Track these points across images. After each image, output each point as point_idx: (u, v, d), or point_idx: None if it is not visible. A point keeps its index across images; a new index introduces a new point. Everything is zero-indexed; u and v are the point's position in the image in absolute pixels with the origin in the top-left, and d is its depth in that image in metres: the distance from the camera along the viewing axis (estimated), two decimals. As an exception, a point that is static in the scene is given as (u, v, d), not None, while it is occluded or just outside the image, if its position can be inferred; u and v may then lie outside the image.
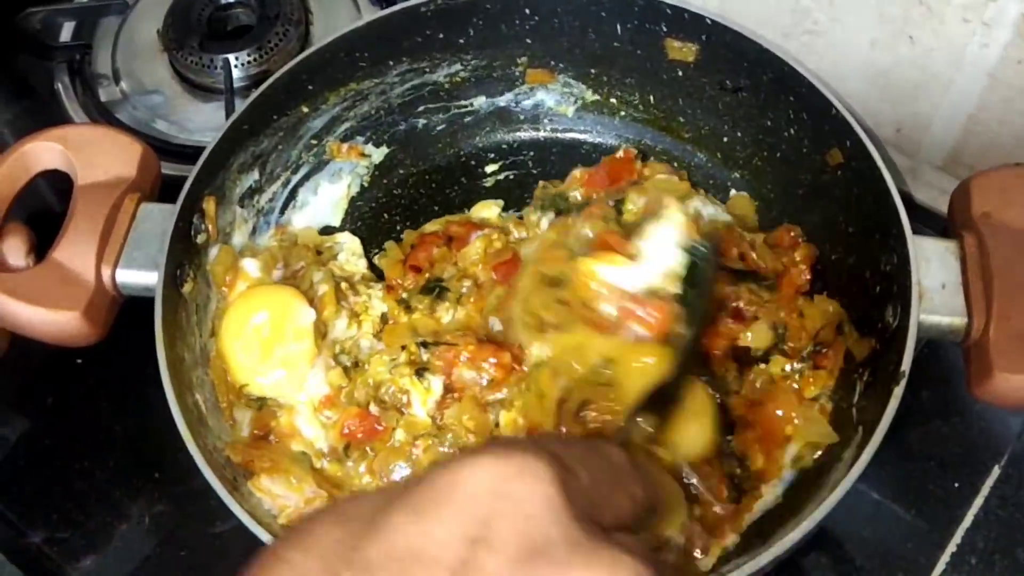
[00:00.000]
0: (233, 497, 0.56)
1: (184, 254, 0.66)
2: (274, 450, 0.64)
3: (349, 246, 0.76)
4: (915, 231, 0.61)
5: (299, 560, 0.30)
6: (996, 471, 0.70)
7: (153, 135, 0.88)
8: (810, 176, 0.71)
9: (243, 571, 0.32)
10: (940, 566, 0.66)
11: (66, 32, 0.96)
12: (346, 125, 0.78)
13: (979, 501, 0.69)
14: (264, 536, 0.54)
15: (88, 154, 0.65)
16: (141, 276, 0.63)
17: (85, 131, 0.67)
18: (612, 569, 0.28)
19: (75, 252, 0.62)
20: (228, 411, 0.65)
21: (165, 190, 0.68)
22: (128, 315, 0.65)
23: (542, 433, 0.60)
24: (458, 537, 0.28)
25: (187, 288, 0.66)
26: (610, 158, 0.77)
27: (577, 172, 0.77)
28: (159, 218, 0.64)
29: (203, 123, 0.90)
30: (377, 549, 0.29)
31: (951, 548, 0.67)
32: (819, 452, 0.63)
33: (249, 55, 0.90)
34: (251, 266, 0.71)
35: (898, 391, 0.56)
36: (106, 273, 0.62)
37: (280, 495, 0.63)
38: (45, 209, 0.81)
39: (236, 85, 0.89)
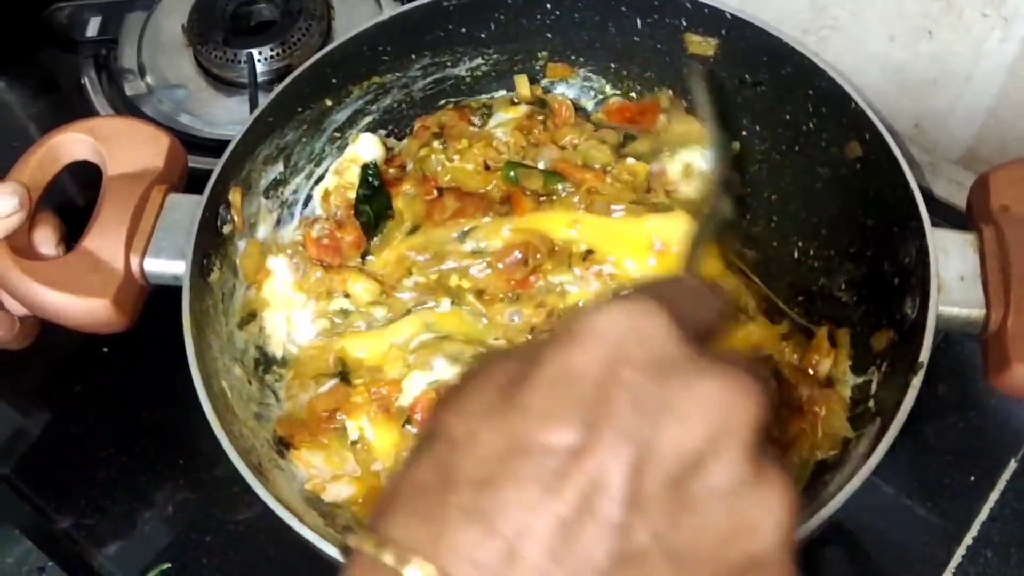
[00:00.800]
0: (260, 482, 0.56)
1: (211, 244, 0.66)
2: (319, 427, 0.67)
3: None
4: (936, 225, 0.61)
5: (473, 393, 0.36)
6: (1013, 465, 0.70)
7: (178, 129, 0.89)
8: (828, 170, 0.71)
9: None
10: (956, 560, 0.67)
11: (92, 27, 0.97)
12: (369, 118, 0.79)
13: (995, 495, 0.69)
14: (292, 521, 0.55)
15: (117, 145, 0.66)
16: (169, 265, 0.64)
17: (114, 123, 0.68)
18: (724, 373, 0.34)
19: (104, 241, 0.63)
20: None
21: (190, 182, 0.68)
22: (152, 305, 0.65)
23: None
24: (599, 359, 0.34)
25: (214, 277, 0.67)
26: (641, 102, 0.79)
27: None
28: (186, 208, 0.65)
29: (227, 117, 0.91)
30: (540, 374, 0.34)
31: (967, 542, 0.67)
32: (833, 451, 0.63)
33: (272, 50, 0.91)
34: (279, 265, 0.72)
35: (916, 382, 0.56)
36: (135, 262, 0.63)
37: (316, 467, 0.65)
38: (68, 201, 0.82)
39: (260, 79, 0.90)
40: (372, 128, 0.79)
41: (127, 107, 0.91)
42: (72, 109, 0.92)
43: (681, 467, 0.34)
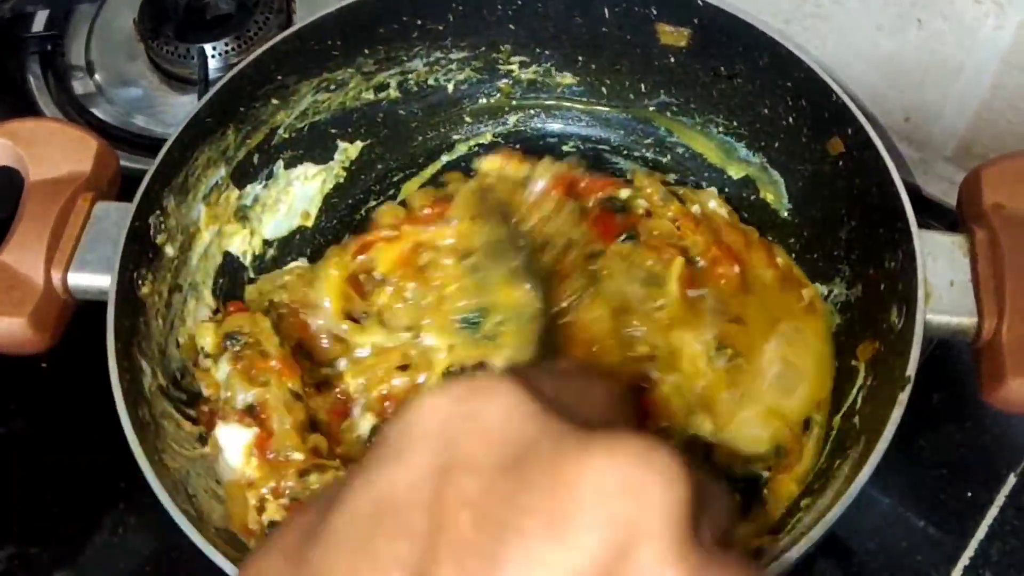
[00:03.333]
0: (185, 516, 0.52)
1: (142, 255, 0.62)
2: None
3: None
4: (926, 226, 0.58)
5: (262, 563, 0.27)
6: (1012, 480, 0.67)
7: (131, 129, 0.85)
8: (810, 167, 0.68)
9: None
10: (953, 577, 0.64)
11: (38, 22, 0.93)
12: (319, 118, 0.75)
13: (994, 511, 0.66)
14: (225, 565, 0.51)
15: (40, 150, 0.62)
16: (95, 279, 0.60)
17: (36, 125, 0.64)
18: (617, 442, 0.24)
19: (23, 254, 0.59)
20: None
21: (135, 187, 0.64)
22: (92, 314, 0.61)
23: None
24: (427, 473, 0.25)
25: (145, 291, 0.62)
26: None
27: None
28: (115, 217, 0.61)
29: (183, 116, 0.87)
30: (341, 518, 0.25)
31: (964, 560, 0.65)
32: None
33: (227, 44, 0.87)
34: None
35: (903, 397, 0.53)
36: (56, 276, 0.59)
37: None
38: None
39: (213, 76, 0.86)
40: (322, 128, 0.75)
41: (75, 107, 0.87)
42: (15, 110, 0.88)
43: None
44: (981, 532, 0.65)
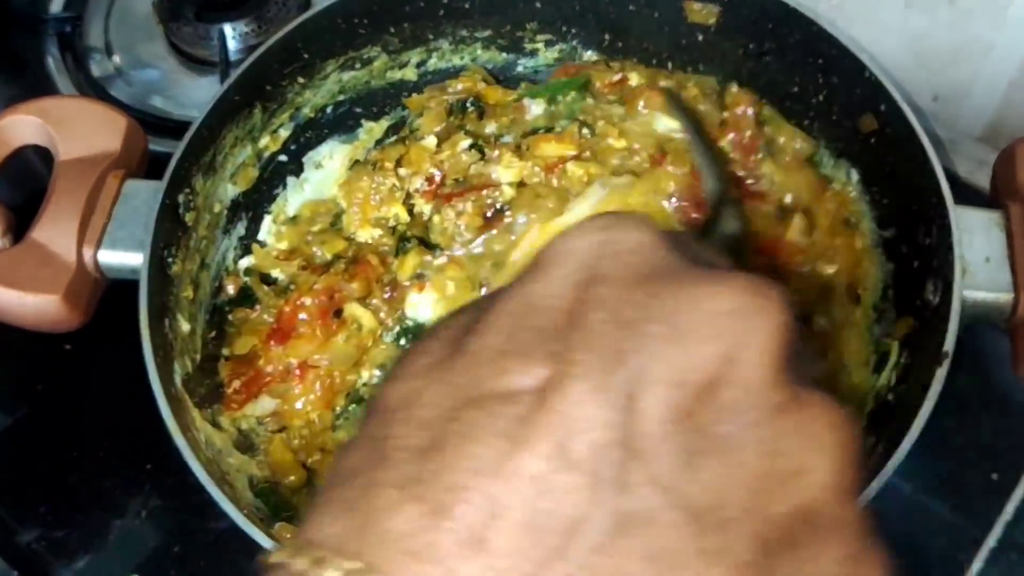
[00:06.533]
0: (223, 492, 0.52)
1: (172, 233, 0.62)
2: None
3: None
4: (956, 203, 0.57)
5: (413, 365, 0.29)
6: None
7: (149, 111, 0.85)
8: (841, 145, 0.67)
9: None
10: (978, 563, 0.63)
11: (56, 3, 0.93)
12: (345, 96, 0.74)
13: (1020, 494, 0.65)
14: (259, 536, 0.50)
15: (70, 128, 0.61)
16: (126, 257, 0.59)
17: (67, 103, 0.63)
18: (735, 278, 0.27)
19: (55, 232, 0.58)
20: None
21: (160, 167, 0.63)
22: (116, 295, 0.61)
23: None
24: (569, 283, 0.28)
25: (175, 269, 0.62)
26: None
27: None
28: (145, 195, 0.60)
29: (202, 98, 0.85)
30: (492, 315, 0.28)
31: (990, 543, 0.64)
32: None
33: (246, 25, 0.87)
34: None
35: (941, 373, 0.52)
36: (88, 254, 0.59)
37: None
38: (17, 188, 0.77)
39: (233, 58, 0.85)
40: (348, 106, 0.75)
41: (94, 89, 0.86)
42: (35, 92, 0.87)
43: (688, 396, 0.26)
44: (1007, 515, 0.64)
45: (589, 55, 0.76)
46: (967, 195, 0.64)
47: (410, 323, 0.66)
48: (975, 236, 0.57)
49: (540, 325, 0.27)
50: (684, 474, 0.25)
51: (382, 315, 0.65)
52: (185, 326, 0.63)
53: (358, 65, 0.73)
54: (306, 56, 0.70)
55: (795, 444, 0.26)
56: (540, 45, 0.76)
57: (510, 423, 0.25)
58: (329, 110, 0.74)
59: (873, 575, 0.27)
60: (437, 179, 0.69)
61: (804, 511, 0.26)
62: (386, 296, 0.66)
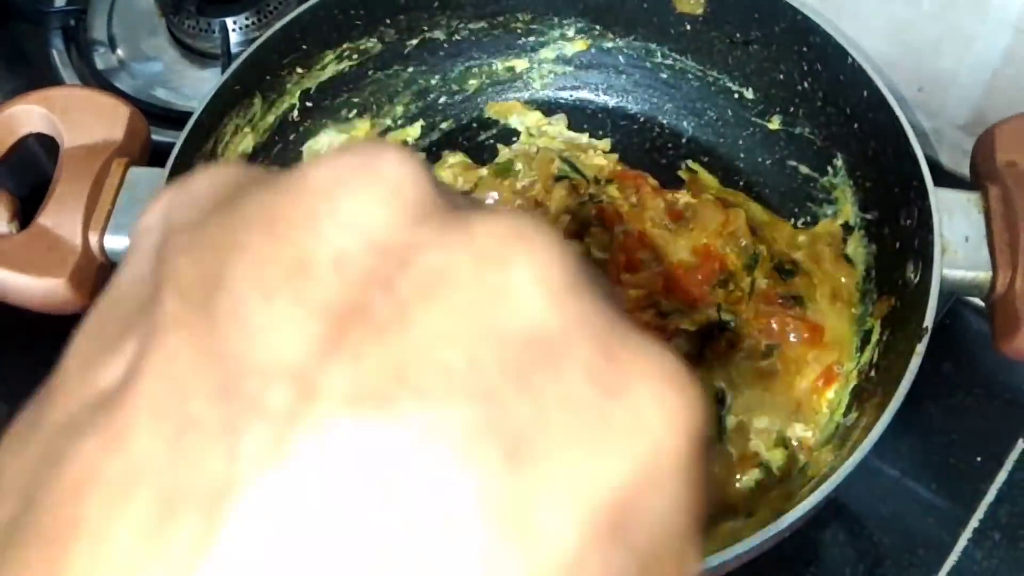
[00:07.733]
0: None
1: (173, 220, 0.63)
2: None
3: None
4: (936, 185, 0.58)
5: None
6: (1021, 444, 0.67)
7: (152, 103, 0.86)
8: (825, 131, 0.69)
9: None
10: (962, 542, 0.64)
11: (60, -4, 0.94)
12: (343, 86, 0.76)
13: (1003, 475, 0.66)
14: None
15: (73, 116, 0.63)
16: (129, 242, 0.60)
17: (70, 93, 0.65)
18: (507, 213, 0.19)
19: (61, 218, 0.60)
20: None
21: (162, 158, 0.65)
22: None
23: None
24: (147, 258, 0.21)
25: (177, 254, 0.64)
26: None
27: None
28: (148, 183, 0.62)
29: (203, 90, 0.85)
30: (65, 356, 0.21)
31: (973, 524, 0.65)
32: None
33: (248, 18, 0.88)
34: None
35: (920, 348, 0.53)
36: (93, 239, 0.60)
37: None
38: (23, 175, 0.78)
39: (234, 50, 0.86)
40: (346, 96, 0.76)
41: (98, 81, 0.88)
42: (40, 84, 0.88)
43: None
44: (990, 495, 0.66)
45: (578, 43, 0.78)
46: (951, 183, 0.65)
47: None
48: (955, 217, 0.58)
49: (127, 310, 0.20)
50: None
51: None
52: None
53: (355, 56, 0.75)
54: (304, 47, 0.71)
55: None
56: (532, 38, 0.78)
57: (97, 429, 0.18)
58: (328, 100, 0.76)
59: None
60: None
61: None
62: None
